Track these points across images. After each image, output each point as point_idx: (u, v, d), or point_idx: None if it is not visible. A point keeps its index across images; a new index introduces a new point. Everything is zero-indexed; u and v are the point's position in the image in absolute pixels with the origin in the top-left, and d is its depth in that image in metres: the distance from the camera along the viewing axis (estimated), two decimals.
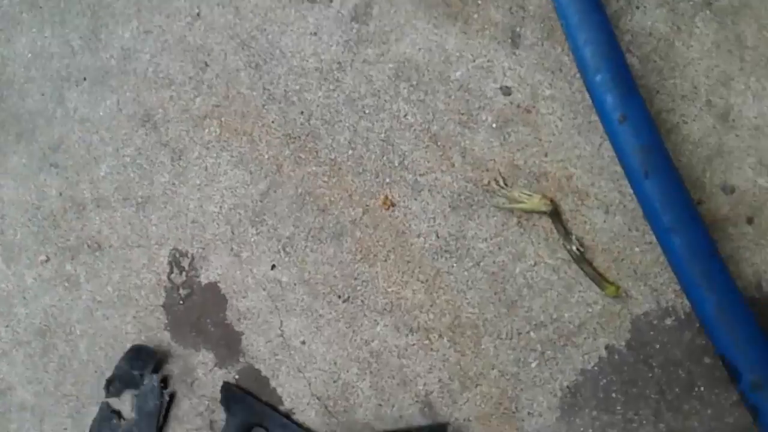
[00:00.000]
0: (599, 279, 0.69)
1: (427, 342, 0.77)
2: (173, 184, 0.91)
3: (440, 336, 0.77)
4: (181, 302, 0.90)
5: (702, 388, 0.67)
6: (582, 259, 0.70)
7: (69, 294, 0.94)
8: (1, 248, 0.98)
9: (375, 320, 0.80)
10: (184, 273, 0.90)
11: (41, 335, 0.96)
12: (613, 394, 0.70)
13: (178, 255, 0.91)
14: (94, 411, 0.94)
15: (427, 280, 0.77)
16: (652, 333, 0.69)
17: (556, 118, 0.72)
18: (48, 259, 0.96)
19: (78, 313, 0.95)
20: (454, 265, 0.76)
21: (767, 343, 0.61)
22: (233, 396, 0.86)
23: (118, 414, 0.92)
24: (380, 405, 0.79)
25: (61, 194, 0.95)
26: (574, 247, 0.70)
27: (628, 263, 0.70)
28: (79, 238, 0.95)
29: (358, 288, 0.81)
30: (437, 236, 0.77)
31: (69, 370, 0.96)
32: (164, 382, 0.90)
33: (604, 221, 0.70)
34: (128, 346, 0.91)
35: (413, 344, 0.78)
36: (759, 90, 0.66)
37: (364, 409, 0.80)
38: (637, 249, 0.70)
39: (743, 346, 0.61)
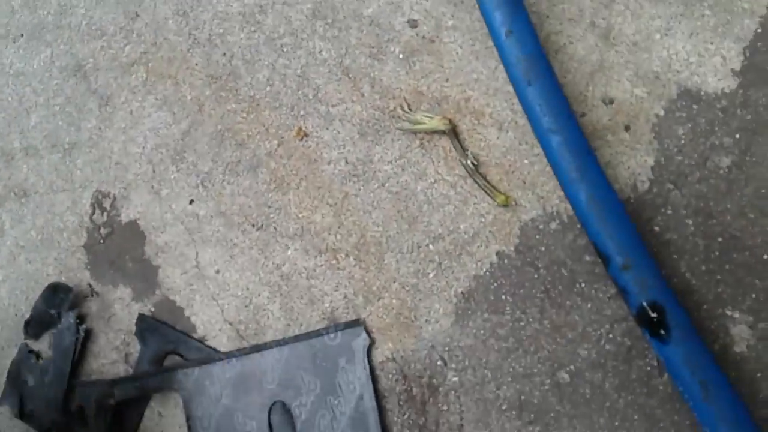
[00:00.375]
0: (491, 190, 0.75)
1: (334, 262, 0.81)
2: (99, 129, 0.95)
3: (347, 255, 0.81)
4: (102, 241, 0.93)
5: (583, 285, 0.72)
6: (476, 173, 0.76)
7: None
8: None
9: (286, 245, 0.83)
10: (105, 213, 0.93)
11: None
12: (503, 296, 0.74)
13: (100, 196, 0.94)
14: (14, 353, 0.94)
15: (335, 204, 0.82)
16: (538, 237, 0.74)
17: (457, 46, 0.79)
18: None
19: (1, 259, 0.97)
20: (361, 188, 0.81)
21: (634, 229, 0.66)
22: (148, 326, 0.88)
23: (37, 355, 0.93)
24: (289, 325, 0.82)
25: None
26: (469, 162, 0.76)
27: (518, 174, 0.76)
28: (6, 186, 0.98)
29: (271, 216, 0.85)
30: (346, 162, 0.82)
31: None
32: (80, 319, 0.91)
33: (497, 137, 0.76)
34: None
35: (321, 265, 0.82)
36: (637, 9, 0.74)
37: (273, 330, 0.83)
38: (526, 161, 0.75)
39: (612, 232, 0.66)
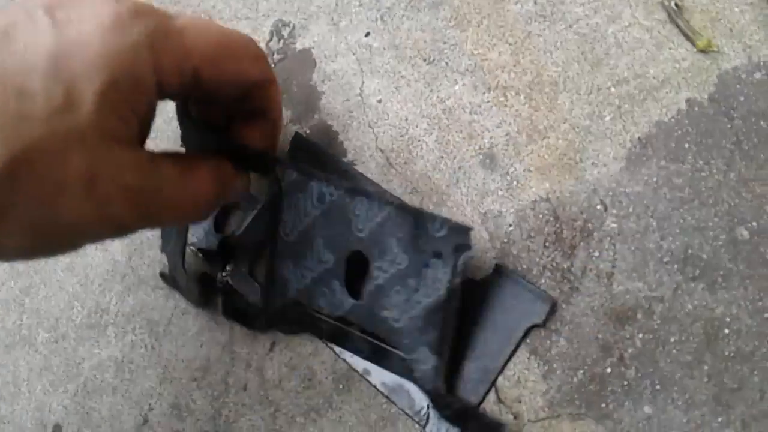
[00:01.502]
0: (693, 33, 0.69)
1: (502, 99, 0.78)
2: None
3: (517, 93, 0.77)
4: (273, 65, 0.94)
5: None
6: (679, 15, 0.70)
7: None
8: None
9: (455, 80, 0.81)
10: (282, 41, 0.95)
11: None
12: (686, 145, 0.68)
13: (280, 25, 0.95)
14: None
15: (515, 43, 0.78)
16: (738, 86, 0.67)
17: None
18: None
19: None
20: (546, 28, 0.77)
21: None
22: (301, 145, 0.87)
23: None
24: (441, 157, 0.79)
25: None
26: (672, 3, 0.70)
27: (725, 23, 0.69)
28: (195, 11, 1.02)
29: (445, 51, 0.82)
30: (535, 3, 0.78)
31: None
32: None
33: None
34: None
35: (488, 101, 0.78)
36: None
37: (424, 160, 0.80)
38: (736, 9, 0.69)
39: None
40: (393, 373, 0.73)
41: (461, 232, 0.69)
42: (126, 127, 0.50)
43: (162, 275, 0.79)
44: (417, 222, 0.71)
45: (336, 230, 0.75)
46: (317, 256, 0.76)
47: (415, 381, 0.72)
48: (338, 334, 0.75)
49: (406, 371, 0.72)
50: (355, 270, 0.76)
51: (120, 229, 0.54)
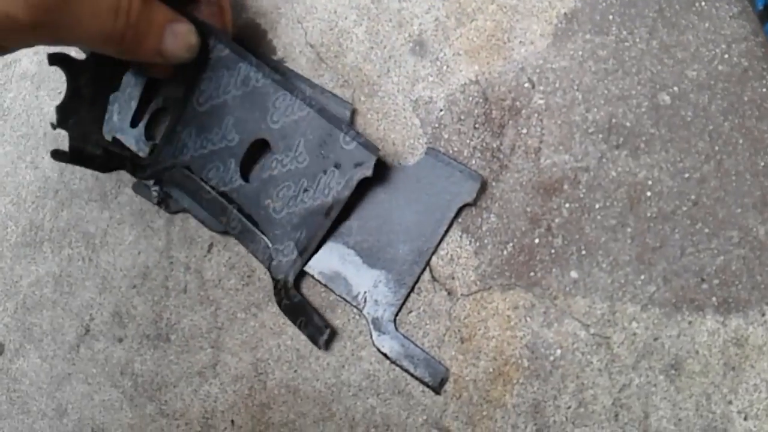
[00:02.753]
0: None
1: None
2: None
3: None
4: None
5: (703, 3, 0.64)
6: None
7: None
8: None
9: None
10: None
11: None
12: (610, 17, 0.68)
13: None
14: None
15: None
16: None
17: None
18: None
19: None
20: None
21: None
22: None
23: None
24: (372, 48, 0.78)
25: None
26: None
27: None
28: None
29: None
30: None
31: None
32: None
33: None
34: None
35: None
36: None
37: (355, 52, 0.79)
38: None
39: None
40: (254, 256, 0.76)
41: (368, 151, 0.70)
42: None
43: (55, 152, 0.74)
44: (331, 130, 0.72)
45: (250, 115, 0.76)
46: (223, 133, 0.77)
47: (269, 268, 0.75)
48: (216, 206, 0.76)
49: (264, 257, 0.75)
50: (254, 156, 0.78)
51: (13, 29, 0.52)
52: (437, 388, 0.67)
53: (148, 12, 0.64)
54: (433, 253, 0.70)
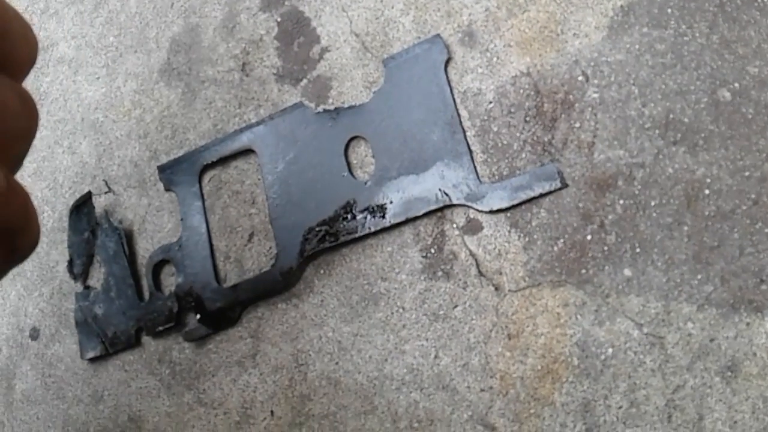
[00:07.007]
0: None
1: None
2: None
3: None
4: None
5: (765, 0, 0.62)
6: None
7: None
8: None
9: None
10: None
11: None
12: (669, 10, 0.66)
13: None
14: (129, 59, 0.93)
15: None
16: None
17: None
18: None
19: None
20: None
21: None
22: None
23: (88, 288, 0.91)
24: (419, 38, 0.77)
25: None
26: None
27: None
28: None
29: None
30: None
31: (115, 23, 0.97)
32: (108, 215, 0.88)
33: None
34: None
35: None
36: None
37: (401, 42, 0.78)
38: None
39: None
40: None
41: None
42: None
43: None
44: None
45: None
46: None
47: None
48: None
49: None
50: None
51: None
52: (564, 183, 0.66)
53: None
54: (459, 113, 0.71)
